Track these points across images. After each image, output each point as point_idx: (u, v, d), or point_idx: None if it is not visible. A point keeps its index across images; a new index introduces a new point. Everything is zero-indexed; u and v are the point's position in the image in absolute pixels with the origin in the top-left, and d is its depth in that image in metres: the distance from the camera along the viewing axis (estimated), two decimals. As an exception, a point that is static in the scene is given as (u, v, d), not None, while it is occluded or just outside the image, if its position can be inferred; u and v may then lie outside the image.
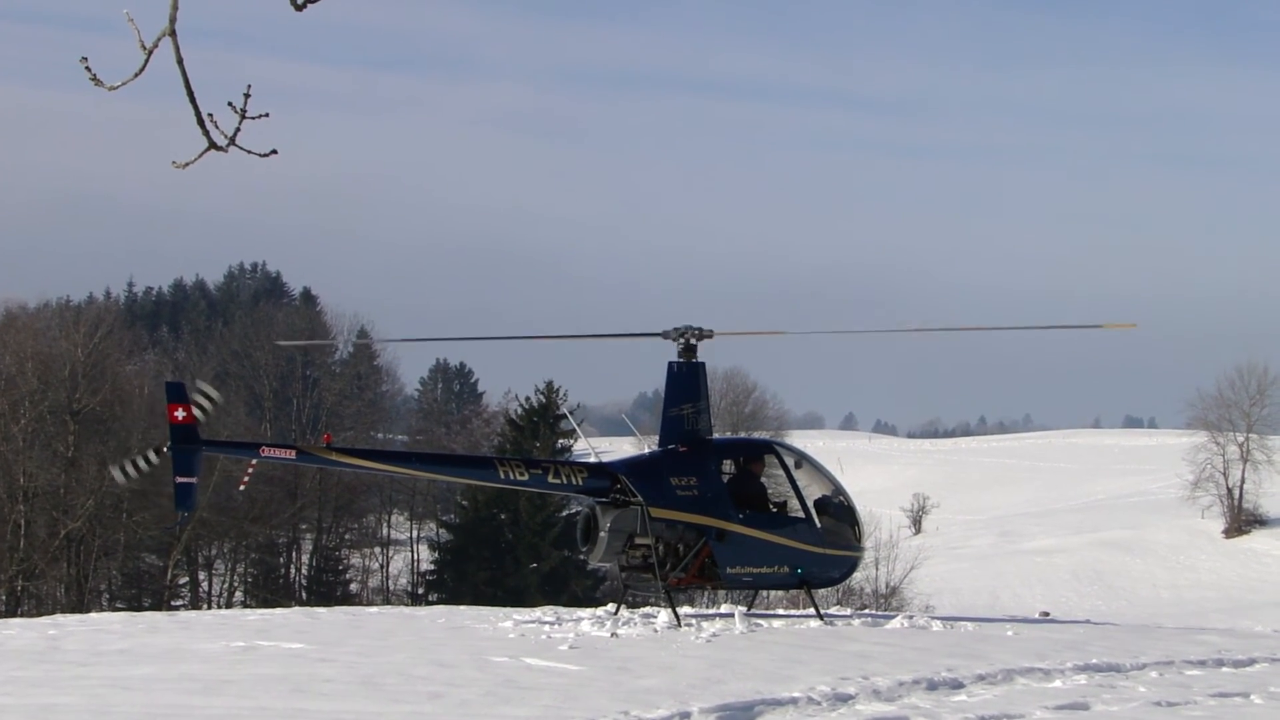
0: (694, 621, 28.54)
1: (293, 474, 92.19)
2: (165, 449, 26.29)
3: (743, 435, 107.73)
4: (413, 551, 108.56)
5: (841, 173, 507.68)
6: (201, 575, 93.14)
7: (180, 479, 26.19)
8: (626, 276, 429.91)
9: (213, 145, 9.85)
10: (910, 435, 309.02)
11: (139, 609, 69.89)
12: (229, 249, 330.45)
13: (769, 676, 21.52)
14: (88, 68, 9.74)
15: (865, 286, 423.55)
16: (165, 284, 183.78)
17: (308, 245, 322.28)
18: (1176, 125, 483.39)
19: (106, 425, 79.93)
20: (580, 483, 29.04)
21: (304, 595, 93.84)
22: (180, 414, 26.14)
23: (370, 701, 19.11)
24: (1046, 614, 78.10)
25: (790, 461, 30.64)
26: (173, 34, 9.55)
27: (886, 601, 73.19)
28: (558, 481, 29.18)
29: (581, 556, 29.94)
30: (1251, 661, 25.76)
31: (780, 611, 36.65)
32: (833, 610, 36.78)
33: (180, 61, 9.58)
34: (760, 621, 28.95)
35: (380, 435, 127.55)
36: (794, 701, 19.58)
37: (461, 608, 37.24)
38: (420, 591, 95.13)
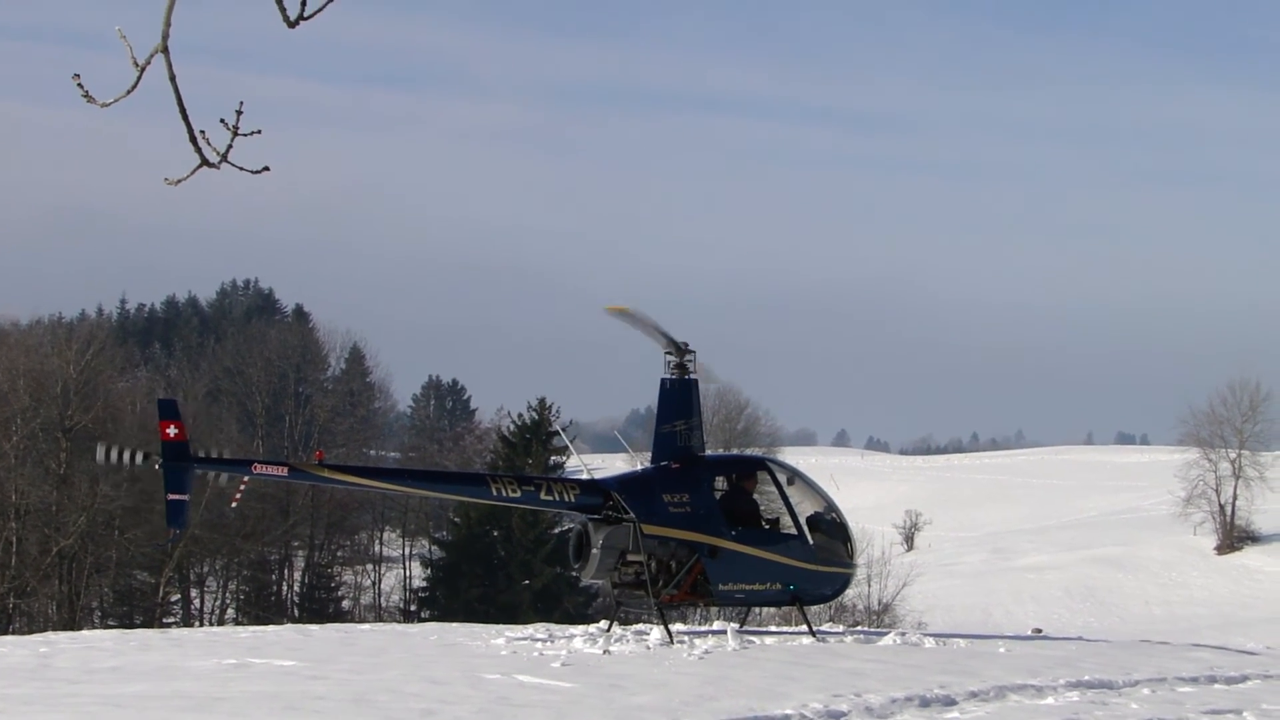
0: (686, 638, 28.52)
1: (285, 491, 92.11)
2: (156, 463, 26.26)
3: (735, 452, 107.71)
4: (405, 568, 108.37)
5: (834, 189, 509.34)
6: (194, 592, 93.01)
7: (172, 496, 26.15)
8: (621, 292, 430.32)
9: (205, 162, 9.84)
10: (903, 452, 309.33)
11: (131, 626, 69.84)
12: (222, 265, 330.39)
13: (762, 693, 21.50)
14: (80, 84, 9.74)
15: (858, 302, 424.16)
16: (158, 301, 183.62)
17: (300, 262, 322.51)
18: (1166, 141, 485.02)
19: (98, 442, 79.74)
20: (573, 499, 29.02)
21: (296, 612, 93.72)
22: (172, 431, 26.12)
23: (362, 719, 19.08)
24: (1039, 631, 78.06)
25: (782, 478, 30.64)
26: (165, 50, 9.55)
27: (879, 618, 73.09)
28: (550, 498, 29.17)
29: (574, 573, 29.90)
30: (1244, 678, 25.75)
31: (773, 628, 36.63)
32: (825, 627, 36.76)
33: (173, 78, 9.58)
34: (753, 638, 28.93)
35: (372, 452, 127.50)
36: (786, 718, 19.57)
37: (454, 625, 37.20)
38: (413, 608, 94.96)
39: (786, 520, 30.14)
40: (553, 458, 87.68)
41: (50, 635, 34.34)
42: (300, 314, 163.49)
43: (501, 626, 34.44)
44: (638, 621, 31.73)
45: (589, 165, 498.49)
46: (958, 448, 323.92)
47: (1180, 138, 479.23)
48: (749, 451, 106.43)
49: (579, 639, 28.47)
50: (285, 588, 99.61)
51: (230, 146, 9.82)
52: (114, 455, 26.73)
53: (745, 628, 32.39)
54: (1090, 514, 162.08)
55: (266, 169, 10.11)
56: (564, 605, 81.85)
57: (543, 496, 29.16)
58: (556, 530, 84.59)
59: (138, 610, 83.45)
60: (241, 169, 9.95)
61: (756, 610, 39.05)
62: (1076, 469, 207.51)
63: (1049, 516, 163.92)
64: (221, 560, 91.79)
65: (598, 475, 30.42)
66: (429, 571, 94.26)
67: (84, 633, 36.55)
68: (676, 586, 28.85)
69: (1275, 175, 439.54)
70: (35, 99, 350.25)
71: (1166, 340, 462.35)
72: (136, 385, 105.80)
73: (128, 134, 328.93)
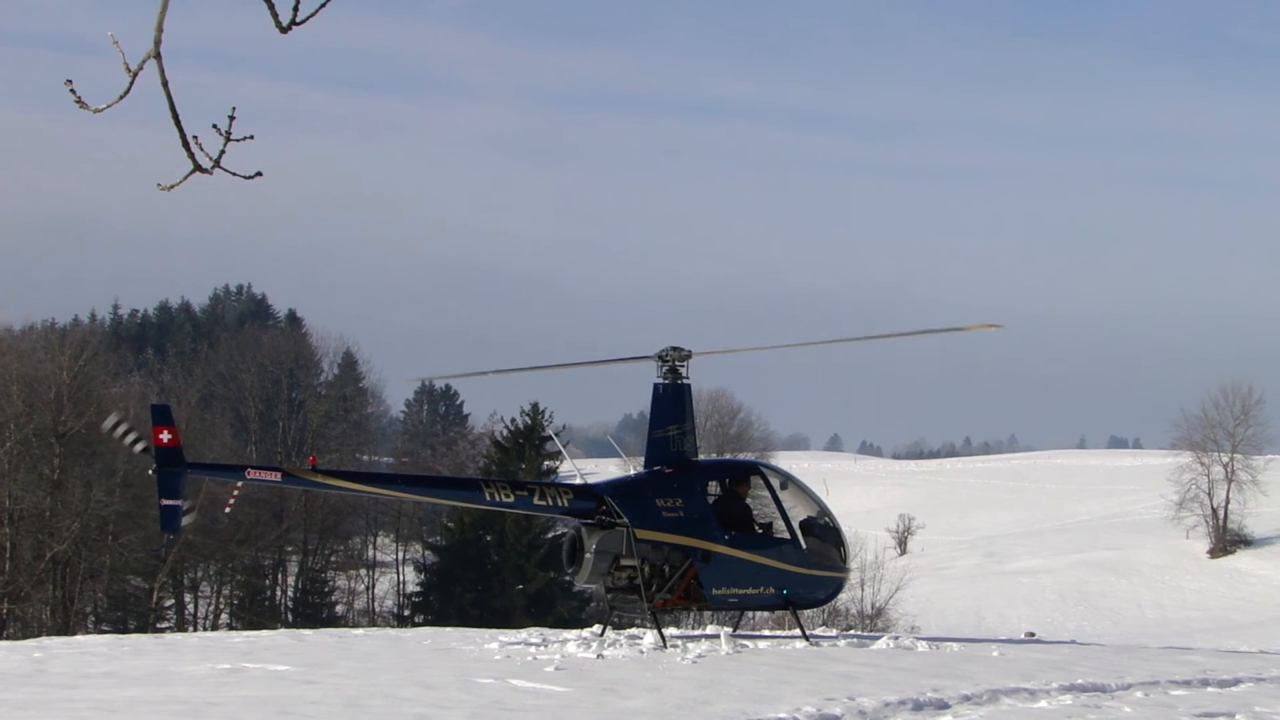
0: (680, 643, 28.54)
1: (278, 496, 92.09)
2: (150, 470, 26.25)
3: (728, 456, 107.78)
4: (399, 573, 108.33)
5: (828, 194, 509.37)
6: (187, 598, 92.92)
7: (165, 501, 26.12)
8: (614, 297, 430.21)
9: (198, 168, 9.85)
10: (895, 456, 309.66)
11: (125, 631, 69.77)
12: (214, 271, 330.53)
13: (755, 697, 21.52)
14: (72, 90, 9.75)
15: (851, 306, 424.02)
16: (150, 306, 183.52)
17: (293, 267, 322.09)
18: (1161, 145, 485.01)
19: (92, 448, 79.68)
20: (566, 504, 29.02)
21: (290, 617, 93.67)
22: (165, 436, 26.09)
23: (356, 723, 19.10)
24: (1032, 634, 78.16)
25: (775, 483, 30.65)
26: (158, 56, 9.56)
27: (872, 622, 73.19)
28: (543, 503, 29.20)
29: (567, 578, 29.87)
30: (1236, 681, 25.78)
31: (766, 632, 36.65)
32: (818, 631, 36.77)
33: (165, 84, 9.59)
34: (746, 642, 28.95)
35: (365, 457, 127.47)
36: (780, 722, 19.60)
37: (447, 629, 37.22)
38: (406, 613, 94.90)
39: (779, 524, 30.16)
40: (546, 463, 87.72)
41: (44, 640, 34.31)
42: (293, 319, 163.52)
43: (495, 631, 34.45)
44: (631, 626, 31.72)
45: (583, 171, 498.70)
46: (951, 452, 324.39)
47: (1175, 142, 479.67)
48: (742, 456, 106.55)
49: (572, 643, 28.49)
50: (279, 593, 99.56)
51: (223, 152, 9.83)
52: (121, 429, 26.68)
53: (738, 632, 32.40)
54: (1083, 518, 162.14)
55: (259, 174, 10.12)
56: (557, 610, 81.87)
57: (536, 501, 29.18)
58: (550, 535, 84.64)
59: (132, 615, 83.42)
60: (234, 174, 9.96)
61: (750, 614, 39.02)
62: (1069, 473, 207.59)
63: (1042, 520, 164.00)
64: (215, 565, 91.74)
65: (591, 480, 30.43)
66: (422, 576, 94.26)
67: (78, 638, 36.53)
68: (670, 591, 28.85)
69: (1269, 179, 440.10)
70: (28, 104, 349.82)
71: (1159, 344, 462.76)
72: (130, 391, 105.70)
73: (120, 139, 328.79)
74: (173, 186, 10.14)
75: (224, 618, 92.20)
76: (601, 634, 29.75)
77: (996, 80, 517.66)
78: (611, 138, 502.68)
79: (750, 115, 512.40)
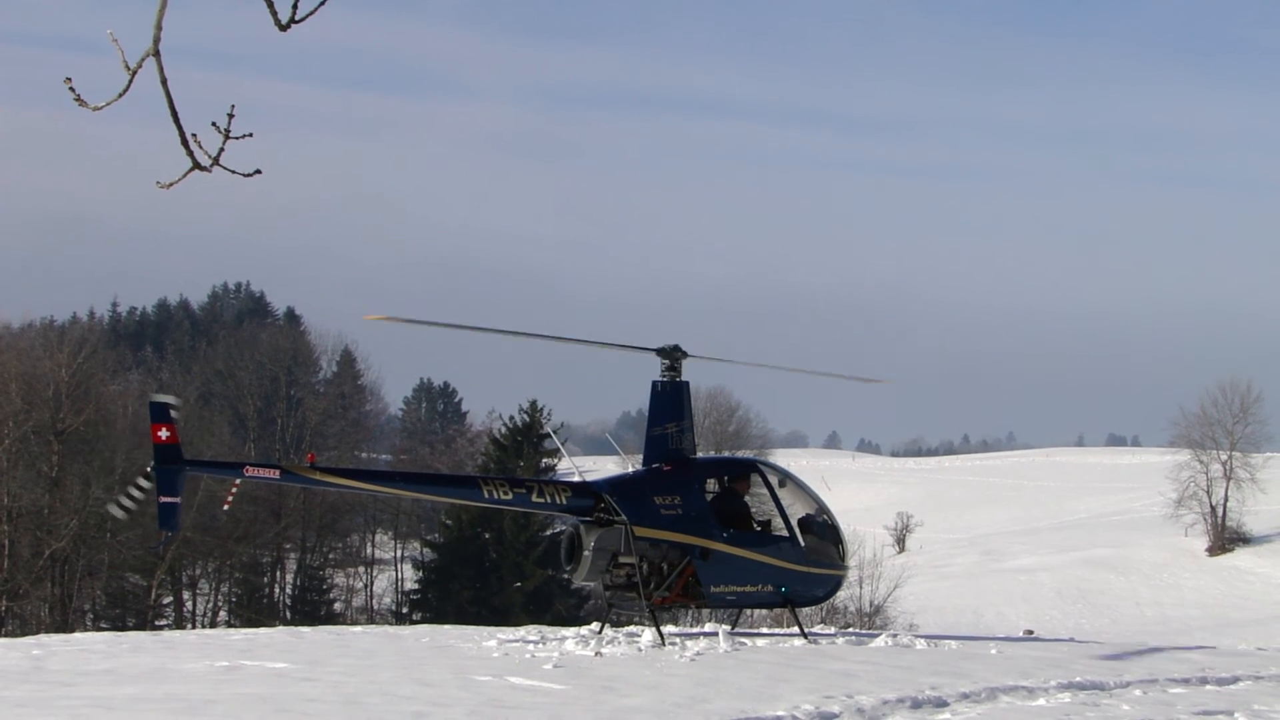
0: (678, 640, 28.53)
1: (277, 493, 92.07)
2: (149, 470, 26.24)
3: (726, 454, 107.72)
4: (397, 570, 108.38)
5: (827, 192, 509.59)
6: (185, 595, 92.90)
7: (164, 499, 26.12)
8: (612, 296, 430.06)
9: (197, 165, 9.86)
10: (894, 454, 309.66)
11: (123, 629, 69.81)
12: (213, 269, 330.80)
13: (753, 695, 21.52)
14: (71, 88, 9.75)
15: (850, 304, 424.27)
16: (149, 304, 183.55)
17: (292, 265, 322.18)
18: (1160, 144, 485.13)
19: (90, 445, 79.72)
20: (564, 502, 29.01)
21: (288, 615, 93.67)
22: (164, 433, 26.09)
23: (354, 721, 19.10)
24: (1030, 632, 78.12)
25: (774, 480, 30.64)
26: (157, 54, 9.57)
27: (870, 620, 73.13)
28: (542, 501, 29.17)
29: (565, 575, 29.84)
30: (1235, 679, 25.78)
31: (764, 630, 36.65)
32: (817, 629, 36.77)
33: (164, 82, 9.59)
34: (744, 640, 28.95)
35: (364, 455, 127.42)
36: (778, 720, 19.60)
37: (446, 627, 37.20)
38: (404, 611, 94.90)
39: (778, 522, 30.15)
40: (544, 460, 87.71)
41: (42, 638, 34.33)
42: (292, 317, 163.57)
43: (493, 628, 34.45)
44: (629, 623, 31.72)
45: (583, 170, 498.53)
46: (949, 450, 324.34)
47: (1174, 140, 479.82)
48: (740, 453, 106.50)
49: (570, 641, 28.49)
50: (277, 590, 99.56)
51: (222, 150, 9.84)
52: (126, 503, 26.69)
53: (737, 629, 32.41)
54: (1081, 515, 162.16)
55: (258, 172, 10.13)
56: (555, 607, 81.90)
57: (534, 499, 29.16)
58: (548, 533, 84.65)
59: (130, 613, 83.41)
60: (233, 172, 9.97)
61: (748, 612, 39.01)
62: (1068, 471, 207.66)
63: (1040, 518, 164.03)
64: (214, 563, 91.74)
65: (589, 477, 30.42)
66: (421, 574, 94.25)
67: (76, 635, 36.51)
68: (668, 588, 28.85)
69: (1268, 177, 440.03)
70: (27, 102, 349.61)
71: (1157, 342, 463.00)
72: (128, 388, 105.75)
73: (120, 137, 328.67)
74: (172, 184, 10.15)
75: (222, 615, 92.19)
76: (600, 632, 29.75)
77: (996, 78, 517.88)
78: (611, 136, 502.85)
79: (749, 114, 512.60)
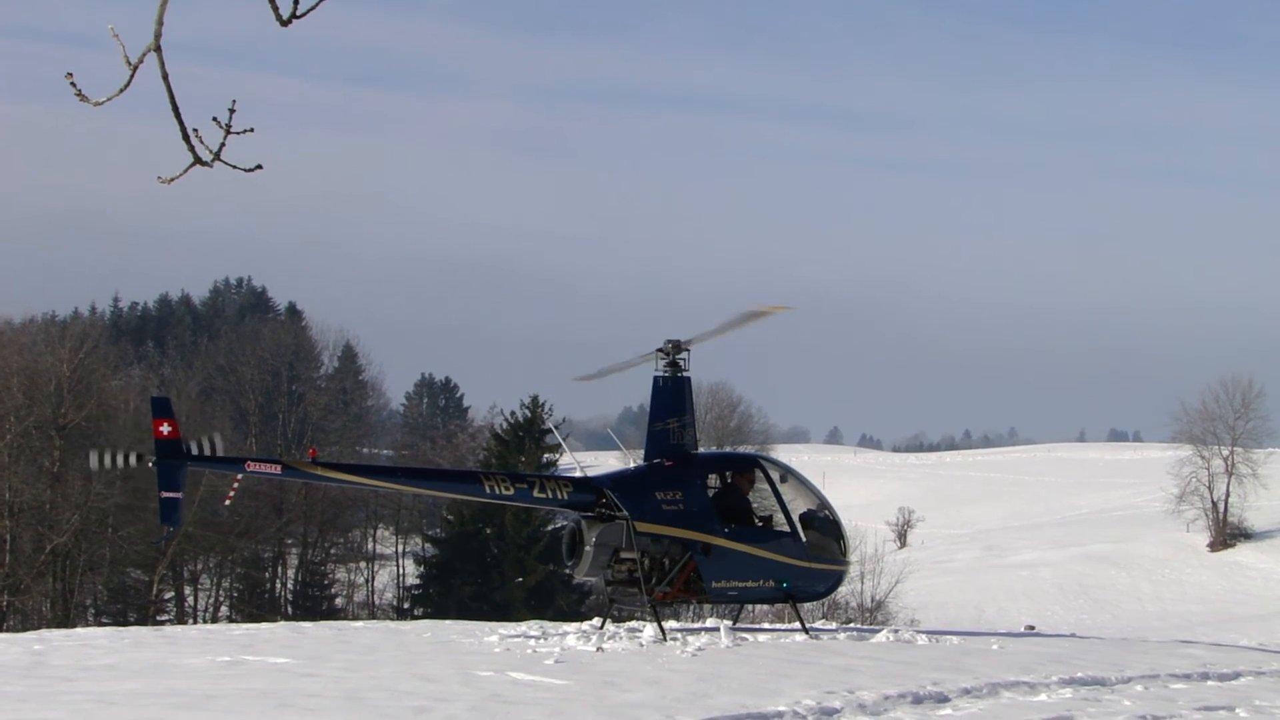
0: (679, 636, 28.53)
1: (278, 489, 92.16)
2: (150, 462, 26.22)
3: (728, 449, 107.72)
4: (398, 566, 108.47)
5: (830, 188, 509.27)
6: (187, 590, 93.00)
7: (165, 494, 26.11)
8: (613, 291, 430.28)
9: (198, 160, 9.85)
10: (895, 449, 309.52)
11: (124, 624, 69.76)
12: (214, 264, 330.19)
13: (754, 690, 21.51)
14: (73, 83, 9.75)
15: (851, 299, 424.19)
16: (151, 299, 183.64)
17: (293, 260, 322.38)
18: (1161, 140, 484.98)
19: (92, 440, 79.54)
20: (566, 497, 29.00)
21: (289, 610, 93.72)
22: (165, 429, 26.08)
23: (355, 716, 19.08)
24: (1032, 628, 78.18)
25: (775, 475, 30.61)
26: (158, 49, 9.56)
27: (872, 615, 73.12)
28: (543, 496, 29.16)
29: (567, 571, 29.82)
30: (1237, 675, 25.77)
31: (766, 625, 36.65)
32: (818, 624, 36.77)
33: (165, 77, 9.59)
34: (745, 635, 28.94)
35: (365, 450, 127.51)
36: (779, 715, 19.58)
37: (447, 622, 37.21)
38: (406, 606, 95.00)
39: (779, 518, 30.13)
40: (546, 455, 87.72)
41: (44, 633, 34.34)
42: (293, 312, 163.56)
43: (495, 624, 34.46)
44: (631, 619, 31.72)
45: (582, 165, 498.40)
46: (950, 445, 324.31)
47: (1175, 136, 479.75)
48: (742, 449, 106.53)
49: (572, 636, 28.48)
50: (279, 585, 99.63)
51: (223, 145, 9.83)
52: (107, 460, 26.64)
53: (738, 625, 32.40)
54: (1083, 511, 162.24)
55: (259, 167, 10.12)
56: (557, 603, 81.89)
57: (536, 494, 29.15)
58: (549, 528, 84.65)
59: (131, 608, 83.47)
60: (234, 167, 9.96)
61: (749, 607, 39.01)
62: (1069, 466, 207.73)
63: (1042, 514, 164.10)
64: (215, 558, 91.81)
65: (590, 473, 30.42)
66: (422, 569, 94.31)
67: (78, 630, 36.55)
68: (670, 584, 28.83)
69: (1268, 173, 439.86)
70: (28, 98, 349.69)
71: (1159, 338, 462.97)
72: (130, 384, 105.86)
73: (121, 133, 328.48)
74: (173, 179, 10.14)
75: (224, 610, 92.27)
76: (601, 627, 29.75)
77: (996, 75, 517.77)
78: (612, 133, 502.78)
79: (750, 109, 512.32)
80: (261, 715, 19.10)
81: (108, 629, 38.49)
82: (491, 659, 25.34)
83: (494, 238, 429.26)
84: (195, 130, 9.79)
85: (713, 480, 30.09)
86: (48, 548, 74.01)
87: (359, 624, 38.27)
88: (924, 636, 29.88)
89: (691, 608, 55.60)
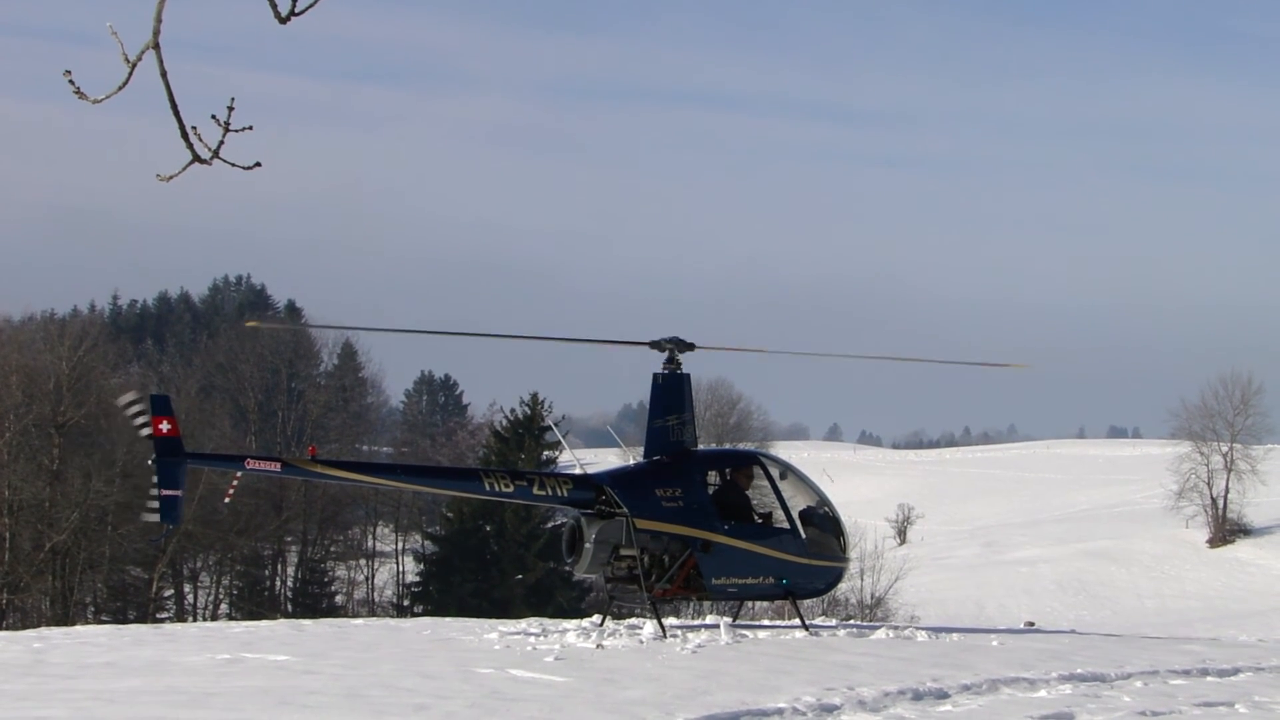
0: (679, 632, 28.55)
1: (278, 486, 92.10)
2: (150, 461, 26.22)
3: (728, 446, 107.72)
4: (398, 563, 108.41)
5: (829, 185, 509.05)
6: (187, 588, 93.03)
7: (164, 492, 26.10)
8: (613, 288, 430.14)
9: (196, 158, 9.84)
10: (895, 446, 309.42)
11: (124, 622, 69.75)
12: (214, 262, 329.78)
13: (754, 687, 21.52)
14: (71, 81, 9.74)
15: (851, 296, 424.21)
16: (150, 297, 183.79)
17: (292, 258, 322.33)
18: (1159, 137, 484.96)
19: (91, 438, 79.79)
20: (565, 494, 29.00)
21: (289, 607, 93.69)
22: (164, 427, 26.07)
23: (355, 714, 19.09)
24: (1031, 624, 78.13)
25: (775, 472, 30.61)
26: (156, 47, 9.55)
27: (871, 612, 73.17)
28: (543, 493, 29.16)
29: (567, 568, 29.84)
30: (1236, 671, 25.78)
31: (765, 622, 36.66)
32: (818, 621, 36.78)
33: (164, 74, 9.58)
34: (745, 632, 28.96)
35: (365, 447, 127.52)
36: (779, 712, 19.59)
37: (447, 619, 37.20)
38: (405, 603, 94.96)
39: (779, 514, 30.13)
40: (545, 453, 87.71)
41: (44, 631, 34.34)
42: (292, 310, 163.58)
43: (494, 621, 34.46)
44: (631, 615, 31.74)
45: (581, 161, 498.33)
46: (950, 442, 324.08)
47: (1174, 133, 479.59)
48: (741, 446, 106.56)
49: (572, 633, 28.50)
50: (278, 583, 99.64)
51: (222, 142, 9.82)
52: (135, 408, 26.58)
53: (738, 622, 32.41)
54: (1082, 507, 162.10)
55: (258, 165, 10.11)
56: (557, 600, 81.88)
57: (536, 491, 29.16)
58: (549, 525, 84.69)
59: (131, 606, 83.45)
60: (233, 165, 9.95)
61: (749, 604, 39.02)
62: (1068, 463, 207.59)
63: (1041, 510, 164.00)
64: (215, 556, 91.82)
65: (590, 470, 30.44)
66: (422, 566, 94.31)
67: (77, 628, 36.54)
68: (669, 581, 28.84)
69: (1267, 170, 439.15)
70: (27, 95, 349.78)
71: (1158, 334, 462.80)
72: (129, 381, 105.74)
73: (119, 130, 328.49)
74: (172, 177, 10.14)
75: (223, 608, 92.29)
76: (601, 624, 29.75)
77: (995, 71, 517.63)
78: (611, 130, 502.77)
79: (749, 106, 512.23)
80: (261, 713, 19.10)
81: (107, 627, 38.49)
82: (491, 656, 25.34)
83: (494, 234, 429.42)
84: (194, 128, 9.78)
85: (712, 477, 30.09)
86: (47, 546, 74.00)
87: (359, 621, 38.28)
88: (924, 633, 29.90)
89: (691, 605, 55.58)
